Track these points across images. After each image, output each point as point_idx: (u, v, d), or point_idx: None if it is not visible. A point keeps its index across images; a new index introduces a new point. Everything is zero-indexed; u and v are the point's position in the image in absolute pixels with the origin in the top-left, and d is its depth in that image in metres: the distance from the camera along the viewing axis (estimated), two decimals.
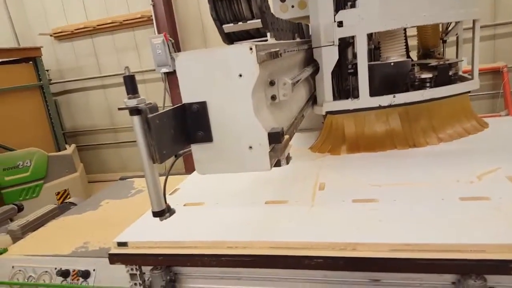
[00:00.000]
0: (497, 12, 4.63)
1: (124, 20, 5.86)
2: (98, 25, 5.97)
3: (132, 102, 0.90)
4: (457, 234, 1.06)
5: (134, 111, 0.90)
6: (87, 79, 6.40)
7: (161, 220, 1.02)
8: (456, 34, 2.34)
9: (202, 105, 1.04)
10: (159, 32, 5.33)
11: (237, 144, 1.05)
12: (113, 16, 5.92)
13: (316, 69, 1.94)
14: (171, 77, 5.48)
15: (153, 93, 5.96)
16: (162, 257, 1.24)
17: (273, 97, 1.15)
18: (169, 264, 1.26)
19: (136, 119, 0.91)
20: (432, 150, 1.83)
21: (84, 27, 6.06)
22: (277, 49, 1.10)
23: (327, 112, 1.96)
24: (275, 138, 1.01)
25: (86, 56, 6.33)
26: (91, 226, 2.17)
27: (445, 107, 1.95)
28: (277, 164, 1.07)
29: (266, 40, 1.33)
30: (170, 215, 1.03)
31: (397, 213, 1.24)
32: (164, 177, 1.06)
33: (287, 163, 1.13)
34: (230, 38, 1.44)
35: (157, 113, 0.92)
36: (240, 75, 1.00)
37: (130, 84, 0.91)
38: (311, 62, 1.97)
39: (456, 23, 2.28)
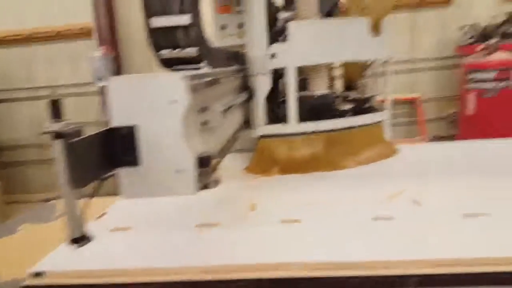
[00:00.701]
0: (415, 49, 5.21)
1: (62, 30, 5.68)
2: (33, 34, 5.72)
3: (55, 126, 0.90)
4: (371, 251, 1.18)
5: (57, 135, 0.90)
6: (15, 90, 6.03)
7: (78, 247, 1.01)
8: (374, 70, 2.66)
9: (132, 129, 1.08)
10: (100, 46, 5.24)
11: (165, 168, 1.10)
12: (50, 25, 5.71)
13: (251, 95, 2.09)
14: None
15: (90, 107, 5.78)
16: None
17: (205, 123, 1.26)
18: None
19: (57, 143, 0.91)
20: (351, 172, 2.03)
21: (18, 34, 5.77)
22: (211, 78, 1.21)
23: (260, 136, 2.11)
24: (203, 163, 1.11)
25: (17, 65, 5.99)
26: (5, 254, 1.99)
27: (361, 135, 2.19)
28: (205, 187, 1.14)
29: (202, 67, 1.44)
30: (88, 242, 1.02)
31: (317, 232, 1.35)
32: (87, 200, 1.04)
33: (215, 186, 1.22)
34: (166, 64, 1.52)
35: (80, 137, 0.94)
36: (171, 102, 1.08)
37: (54, 107, 0.95)
38: (248, 87, 2.12)
39: (374, 59, 2.59)
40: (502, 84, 4.31)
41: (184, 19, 1.38)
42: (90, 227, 1.58)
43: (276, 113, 2.20)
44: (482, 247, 1.17)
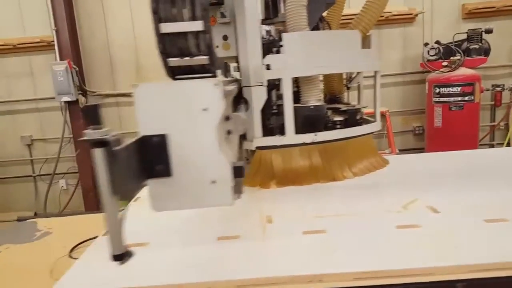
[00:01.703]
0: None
1: (18, 44, 5.34)
2: None
3: (96, 134, 0.86)
4: (405, 259, 1.17)
5: (98, 143, 0.86)
6: None
7: (121, 264, 0.95)
8: (358, 82, 2.71)
9: (162, 138, 1.03)
10: (61, 59, 4.98)
11: (199, 179, 1.05)
12: (4, 38, 5.37)
13: (246, 106, 2.05)
14: (72, 107, 5.11)
15: (49, 124, 5.46)
16: None
17: (228, 132, 1.20)
18: None
19: (99, 152, 0.86)
20: (350, 183, 2.03)
21: None
22: (234, 86, 1.16)
23: (257, 147, 2.06)
24: (239, 172, 1.05)
25: None
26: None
27: (355, 146, 2.21)
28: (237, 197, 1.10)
29: (214, 77, 1.39)
30: (129, 259, 0.97)
31: (348, 242, 1.32)
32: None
33: (239, 197, 1.17)
34: (174, 72, 1.45)
35: (122, 146, 0.90)
36: (205, 109, 1.03)
37: (93, 113, 0.87)
38: (238, 100, 2.07)
39: (358, 73, 2.65)
40: (467, 98, 4.60)
41: (196, 25, 1.32)
42: (102, 243, 1.48)
43: (268, 125, 2.17)
44: None
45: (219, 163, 1.05)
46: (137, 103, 1.04)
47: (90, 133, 0.85)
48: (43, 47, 5.33)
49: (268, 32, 2.32)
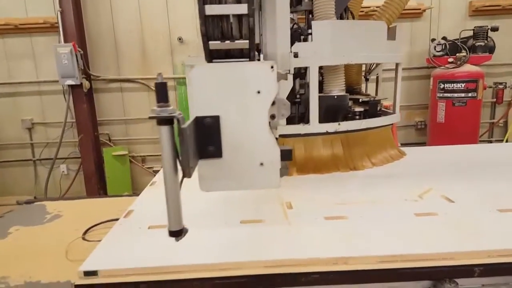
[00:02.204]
0: None
1: (20, 24, 5.23)
2: None
3: (164, 111, 0.85)
4: (428, 244, 1.21)
5: (165, 120, 0.86)
6: None
7: (177, 240, 0.96)
8: (377, 74, 2.72)
9: (215, 119, 1.03)
10: (65, 41, 4.89)
11: (248, 161, 1.06)
12: (6, 17, 5.25)
13: None
14: (75, 91, 5.04)
15: (51, 107, 5.39)
16: (145, 285, 1.12)
17: (273, 116, 1.20)
18: None
19: (165, 129, 0.86)
20: (370, 172, 2.06)
21: None
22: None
23: (280, 135, 2.06)
24: (287, 155, 1.06)
25: None
26: (3, 259, 1.81)
27: (375, 136, 2.23)
28: None
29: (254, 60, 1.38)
30: (184, 236, 0.98)
31: (369, 228, 1.36)
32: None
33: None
34: (212, 56, 1.45)
35: (187, 124, 0.90)
36: (259, 92, 1.03)
37: (162, 91, 0.87)
38: None
39: (377, 64, 2.66)
40: (470, 94, 4.64)
41: (241, 8, 1.31)
42: (124, 225, 1.48)
43: (292, 113, 2.18)
44: None
45: (269, 146, 1.05)
46: (192, 83, 1.03)
47: (158, 111, 0.84)
48: (46, 28, 5.23)
49: (292, 20, 2.31)
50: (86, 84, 4.99)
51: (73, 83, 4.87)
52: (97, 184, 5.23)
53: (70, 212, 2.26)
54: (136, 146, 5.65)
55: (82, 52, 4.93)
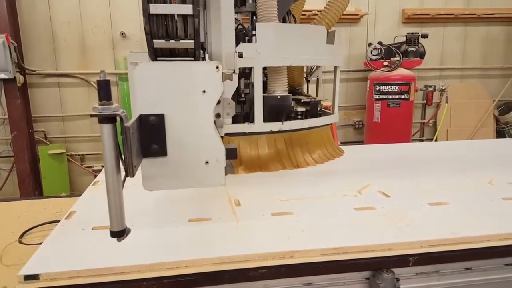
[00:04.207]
0: None
1: None
2: None
3: (107, 109, 0.85)
4: (367, 237, 1.29)
5: (107, 119, 0.85)
6: None
7: (119, 241, 0.95)
8: (317, 76, 2.85)
9: (160, 118, 1.04)
10: None
11: (193, 159, 1.07)
12: None
13: None
14: (8, 85, 4.68)
15: None
16: (90, 287, 1.08)
17: (218, 115, 1.23)
18: None
19: (108, 127, 0.85)
20: (312, 170, 2.16)
21: None
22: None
23: (225, 134, 2.10)
24: (232, 154, 1.10)
25: None
26: None
27: (316, 135, 2.34)
28: None
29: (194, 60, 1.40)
30: (126, 236, 0.97)
31: (313, 222, 1.42)
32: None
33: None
34: (156, 54, 1.44)
35: (131, 122, 0.90)
36: (204, 91, 1.05)
37: (105, 89, 0.86)
38: None
39: (318, 67, 2.79)
40: (403, 96, 5.00)
41: (185, 9, 1.33)
42: (66, 226, 1.42)
43: (237, 112, 2.22)
44: (463, 228, 1.37)
45: (214, 144, 1.07)
46: (135, 82, 1.03)
47: (101, 108, 0.84)
48: None
49: (237, 20, 2.35)
50: (20, 78, 4.66)
51: (5, 77, 4.53)
52: (32, 185, 4.91)
53: (4, 215, 2.13)
54: (74, 144, 5.38)
55: (16, 44, 4.59)
